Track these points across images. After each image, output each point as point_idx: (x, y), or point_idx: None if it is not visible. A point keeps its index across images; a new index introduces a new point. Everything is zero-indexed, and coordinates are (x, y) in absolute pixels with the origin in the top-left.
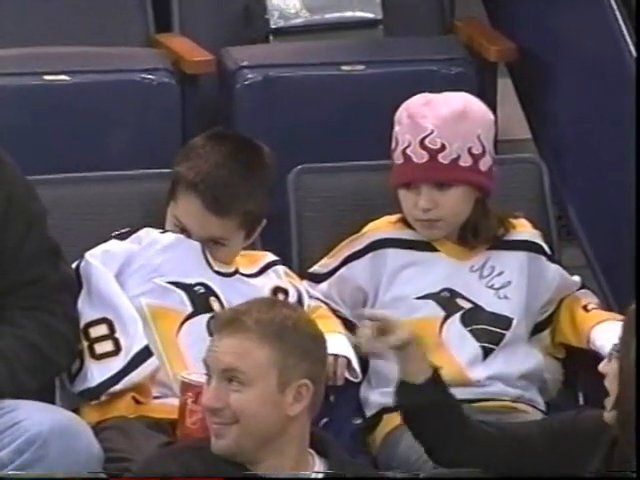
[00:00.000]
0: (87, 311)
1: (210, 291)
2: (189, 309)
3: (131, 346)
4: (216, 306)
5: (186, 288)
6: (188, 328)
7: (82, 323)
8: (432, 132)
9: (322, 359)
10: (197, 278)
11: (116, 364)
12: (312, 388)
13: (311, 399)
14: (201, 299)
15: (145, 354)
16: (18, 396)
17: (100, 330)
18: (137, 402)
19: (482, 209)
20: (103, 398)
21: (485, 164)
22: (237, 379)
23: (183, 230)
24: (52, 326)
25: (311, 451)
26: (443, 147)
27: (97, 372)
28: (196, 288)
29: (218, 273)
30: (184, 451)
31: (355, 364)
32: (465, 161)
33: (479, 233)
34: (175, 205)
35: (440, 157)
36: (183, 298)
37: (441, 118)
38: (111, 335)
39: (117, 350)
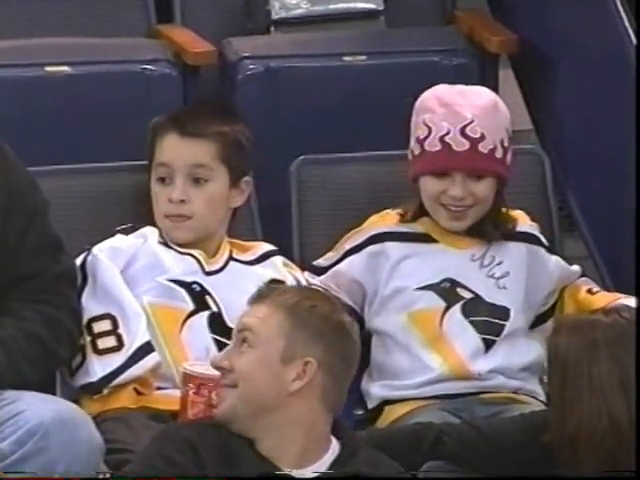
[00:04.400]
0: (91, 306)
1: (205, 290)
2: (191, 306)
3: (133, 342)
4: (211, 304)
5: (186, 286)
6: (190, 325)
7: (86, 318)
8: (472, 121)
9: (343, 352)
10: (193, 277)
11: (118, 359)
12: (317, 370)
13: (321, 385)
14: (199, 297)
15: (146, 349)
16: (19, 387)
17: (103, 325)
18: (138, 393)
19: (500, 202)
20: (105, 392)
21: (509, 157)
22: (247, 340)
23: (165, 178)
24: (55, 318)
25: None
26: (483, 137)
27: (99, 367)
28: (193, 286)
29: (209, 274)
30: (201, 425)
31: None
32: (499, 153)
33: (498, 225)
34: (154, 157)
35: (480, 146)
36: (184, 296)
37: (479, 108)
38: (114, 331)
39: (120, 346)
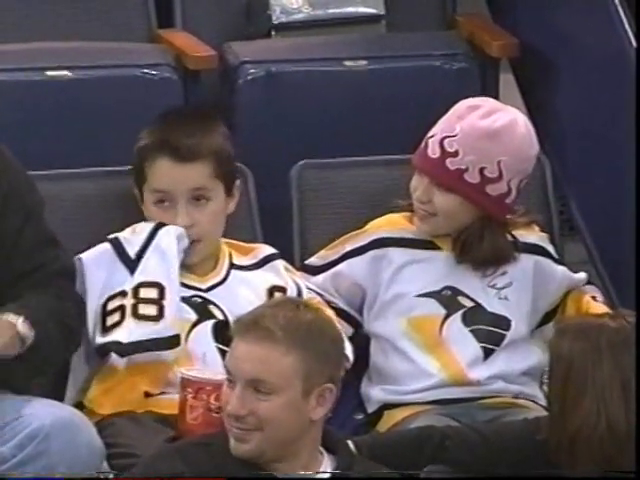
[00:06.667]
0: (146, 271)
1: (207, 301)
2: (194, 317)
3: (172, 323)
4: (217, 312)
5: (185, 299)
6: (195, 335)
7: (137, 282)
8: (455, 135)
9: (341, 361)
10: (190, 291)
11: (152, 330)
12: (335, 391)
13: (333, 399)
14: (201, 307)
15: (175, 341)
16: (44, 346)
17: (150, 293)
18: (147, 395)
19: (479, 230)
20: (124, 360)
21: (495, 190)
22: (263, 388)
23: (164, 201)
24: (58, 307)
25: (320, 449)
26: (456, 153)
27: (134, 330)
28: (193, 299)
29: (209, 289)
30: (191, 447)
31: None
32: (472, 177)
33: (466, 250)
34: (147, 181)
35: (448, 161)
36: (186, 308)
37: (472, 127)
38: (159, 300)
39: (159, 316)
